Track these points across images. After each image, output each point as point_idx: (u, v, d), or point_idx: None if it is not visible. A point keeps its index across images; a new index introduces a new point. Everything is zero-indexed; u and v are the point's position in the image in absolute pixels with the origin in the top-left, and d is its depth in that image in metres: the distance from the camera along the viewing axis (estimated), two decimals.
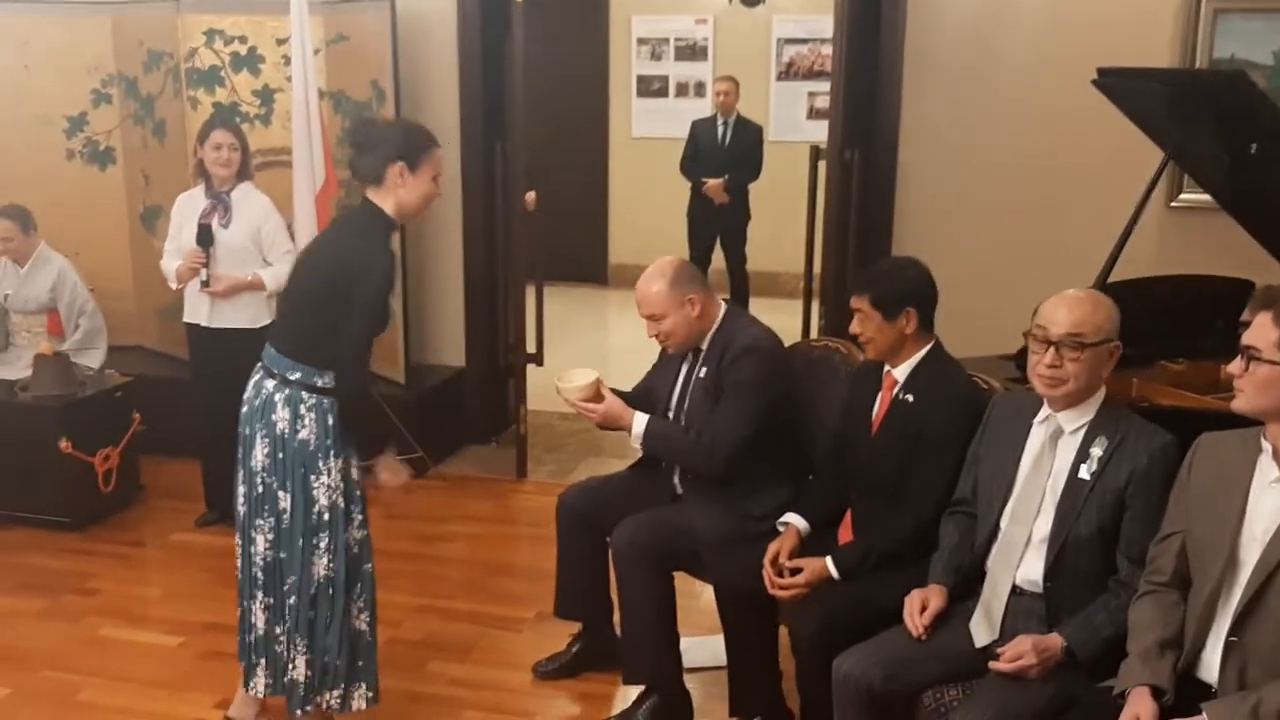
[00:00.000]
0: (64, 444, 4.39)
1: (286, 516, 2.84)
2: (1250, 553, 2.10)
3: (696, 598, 3.58)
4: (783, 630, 2.93)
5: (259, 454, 2.84)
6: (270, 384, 2.85)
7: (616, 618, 3.31)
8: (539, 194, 6.14)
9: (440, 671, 3.50)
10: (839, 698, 2.50)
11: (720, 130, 7.39)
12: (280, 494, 2.83)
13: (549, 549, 3.47)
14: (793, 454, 3.18)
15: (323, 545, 2.85)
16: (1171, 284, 3.48)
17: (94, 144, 5.61)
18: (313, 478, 2.82)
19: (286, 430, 2.81)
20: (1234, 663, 2.10)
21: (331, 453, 2.83)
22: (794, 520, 2.98)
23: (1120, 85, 3.39)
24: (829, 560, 2.80)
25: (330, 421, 2.83)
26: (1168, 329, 3.38)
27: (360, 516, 2.94)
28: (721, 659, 3.10)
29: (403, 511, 4.74)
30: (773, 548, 2.90)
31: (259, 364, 2.92)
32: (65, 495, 4.47)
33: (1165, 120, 3.37)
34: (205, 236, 4.21)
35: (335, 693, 2.91)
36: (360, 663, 2.95)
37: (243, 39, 5.18)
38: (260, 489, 2.85)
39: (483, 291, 5.42)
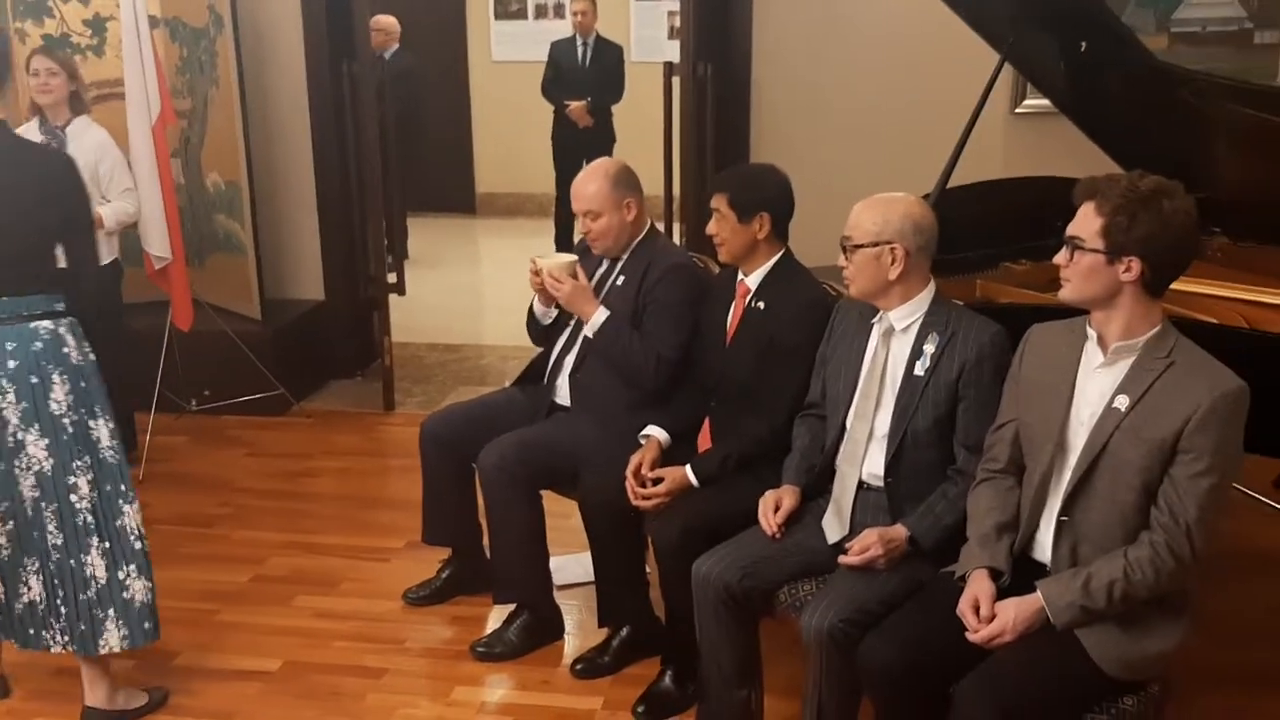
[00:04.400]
0: None
1: (104, 446, 2.74)
2: (1078, 436, 2.19)
3: (566, 517, 3.58)
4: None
5: (59, 396, 2.70)
6: (45, 325, 2.69)
7: (485, 540, 3.32)
8: (397, 121, 6.00)
9: (307, 605, 3.46)
10: (699, 598, 2.56)
11: (580, 51, 7.30)
12: (91, 424, 2.73)
13: (418, 479, 3.44)
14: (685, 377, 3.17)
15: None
16: (1011, 187, 3.58)
17: None
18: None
19: (82, 359, 2.73)
20: (1065, 541, 2.19)
21: None
22: (654, 432, 3.01)
23: None
24: (689, 468, 2.85)
25: None
26: (1010, 232, 3.48)
27: None
28: (591, 575, 3.13)
29: (266, 450, 4.65)
30: (634, 459, 2.93)
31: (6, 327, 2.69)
32: None
33: (1001, 23, 3.44)
34: None
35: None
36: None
37: None
38: (70, 431, 2.71)
39: (339, 222, 5.28)
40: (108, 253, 4.19)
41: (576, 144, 7.26)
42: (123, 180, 4.17)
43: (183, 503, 4.16)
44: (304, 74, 5.09)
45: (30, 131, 4.12)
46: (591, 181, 3.11)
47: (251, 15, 4.98)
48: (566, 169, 7.41)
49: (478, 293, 7.44)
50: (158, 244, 4.37)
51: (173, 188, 4.45)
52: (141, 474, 4.33)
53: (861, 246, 2.46)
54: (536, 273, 3.12)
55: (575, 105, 7.20)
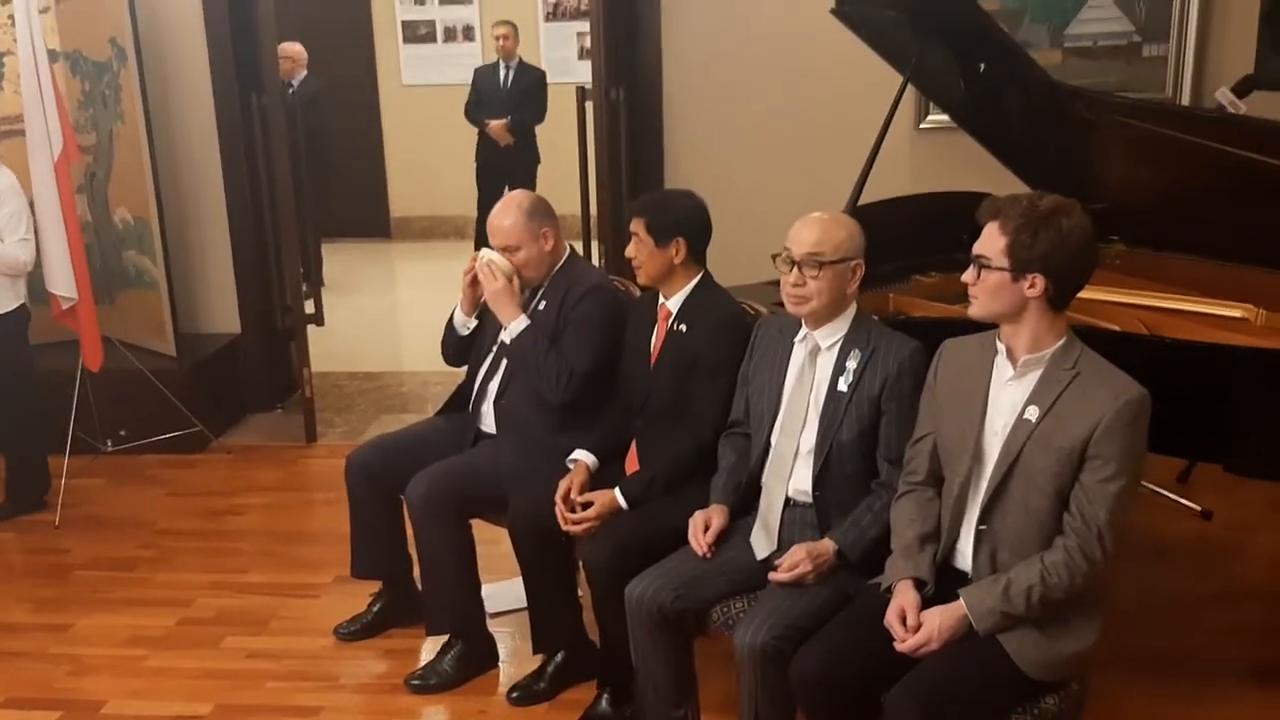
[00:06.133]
0: None
1: None
2: (992, 447, 2.26)
3: (497, 544, 3.58)
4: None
5: None
6: None
7: (416, 571, 3.31)
8: (308, 147, 5.94)
9: (237, 646, 3.41)
10: (633, 620, 2.58)
11: (502, 75, 7.41)
12: None
13: (344, 511, 3.41)
14: (608, 398, 3.19)
15: None
16: (919, 202, 3.68)
17: None
18: None
19: None
20: (985, 549, 2.26)
21: None
22: (582, 456, 3.03)
23: (858, 14, 3.53)
24: (617, 491, 2.87)
25: None
26: (919, 245, 3.58)
27: None
28: (524, 601, 3.13)
29: (186, 489, 4.56)
30: (563, 485, 2.95)
31: None
32: None
33: (902, 46, 3.54)
34: None
35: None
36: None
37: None
38: None
39: (252, 253, 5.21)
40: (13, 298, 4.11)
41: (500, 165, 7.30)
42: (19, 229, 4.07)
43: (103, 546, 4.07)
44: (212, 105, 5.02)
45: None
46: (507, 216, 3.14)
47: (156, 47, 4.91)
48: (490, 190, 7.42)
49: (395, 318, 7.40)
50: (62, 284, 4.28)
51: (77, 225, 4.36)
52: (58, 519, 4.23)
53: (835, 263, 2.50)
54: (475, 263, 3.14)
55: (495, 124, 7.26)
